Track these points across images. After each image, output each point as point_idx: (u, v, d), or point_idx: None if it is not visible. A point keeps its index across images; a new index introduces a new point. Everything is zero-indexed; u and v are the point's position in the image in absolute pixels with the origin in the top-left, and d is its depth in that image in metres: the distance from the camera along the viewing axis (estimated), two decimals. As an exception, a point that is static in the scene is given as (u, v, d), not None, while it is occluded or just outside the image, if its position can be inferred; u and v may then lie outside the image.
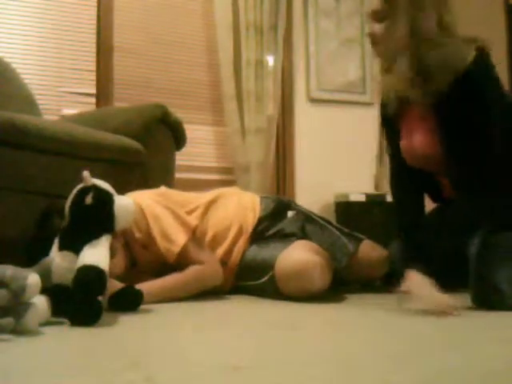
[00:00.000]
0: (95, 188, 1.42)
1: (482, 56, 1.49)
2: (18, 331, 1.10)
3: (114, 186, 1.50)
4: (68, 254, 1.33)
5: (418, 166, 1.65)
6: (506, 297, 1.46)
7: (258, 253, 1.81)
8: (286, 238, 1.83)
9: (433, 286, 1.42)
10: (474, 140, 1.49)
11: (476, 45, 1.50)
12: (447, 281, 1.78)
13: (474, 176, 1.49)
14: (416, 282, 1.43)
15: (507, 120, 1.54)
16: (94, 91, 3.05)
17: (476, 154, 1.49)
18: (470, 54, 1.47)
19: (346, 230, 1.94)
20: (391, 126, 1.71)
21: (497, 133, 1.49)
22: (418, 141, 1.59)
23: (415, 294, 1.41)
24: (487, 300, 1.48)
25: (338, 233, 1.90)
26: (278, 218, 1.90)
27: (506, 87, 4.13)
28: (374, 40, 1.58)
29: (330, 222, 1.96)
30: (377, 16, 1.56)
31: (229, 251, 1.82)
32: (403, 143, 1.65)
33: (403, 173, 1.71)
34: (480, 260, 1.53)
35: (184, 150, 2.47)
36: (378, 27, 1.56)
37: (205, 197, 1.90)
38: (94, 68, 3.06)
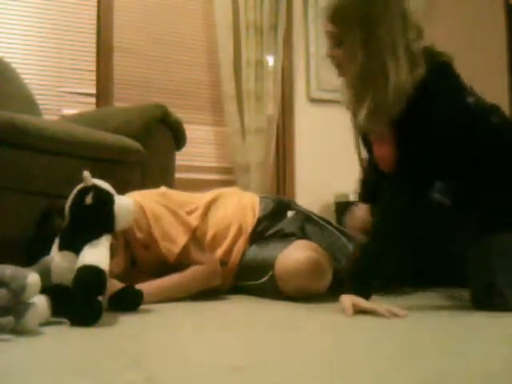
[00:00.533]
0: (95, 188, 1.42)
1: (433, 71, 1.48)
2: (18, 331, 1.10)
3: (114, 186, 1.50)
4: (68, 254, 1.33)
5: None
6: (508, 300, 1.46)
7: (258, 253, 1.81)
8: (285, 237, 1.83)
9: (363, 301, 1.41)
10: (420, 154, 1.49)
11: (431, 58, 1.49)
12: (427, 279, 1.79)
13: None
14: (349, 304, 1.40)
15: (470, 128, 1.53)
16: (94, 91, 3.05)
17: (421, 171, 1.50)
18: (418, 74, 1.46)
19: (345, 230, 1.94)
20: (363, 133, 1.72)
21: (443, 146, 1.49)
22: (386, 151, 1.60)
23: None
24: (488, 304, 1.47)
25: (337, 233, 1.90)
26: (278, 218, 1.90)
27: (506, 87, 4.12)
28: (335, 63, 1.56)
29: (329, 222, 1.96)
30: (333, 40, 1.54)
31: (228, 251, 1.82)
32: (376, 153, 1.67)
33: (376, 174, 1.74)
34: (479, 263, 1.52)
35: (184, 149, 2.47)
36: (337, 51, 1.54)
37: (205, 197, 1.90)
38: (94, 68, 3.06)
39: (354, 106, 1.57)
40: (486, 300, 1.48)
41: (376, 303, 1.41)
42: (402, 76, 1.46)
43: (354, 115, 1.60)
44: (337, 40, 1.53)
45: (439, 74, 1.49)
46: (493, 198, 1.53)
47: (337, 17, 1.52)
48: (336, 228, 1.94)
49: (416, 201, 1.50)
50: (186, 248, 1.67)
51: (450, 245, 1.71)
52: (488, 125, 1.56)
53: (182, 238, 1.67)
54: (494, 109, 1.61)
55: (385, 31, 1.47)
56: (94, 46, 3.07)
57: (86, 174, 1.43)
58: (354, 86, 1.55)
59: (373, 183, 1.84)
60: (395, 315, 1.36)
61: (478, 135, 1.54)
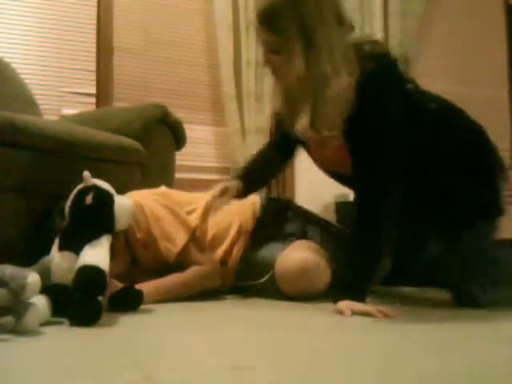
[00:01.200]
0: (95, 188, 1.42)
1: (376, 63, 1.45)
2: (18, 331, 1.10)
3: (114, 186, 1.50)
4: (68, 254, 1.33)
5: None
6: (480, 302, 1.52)
7: (258, 253, 1.81)
8: (285, 238, 1.83)
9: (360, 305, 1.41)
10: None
11: (367, 53, 1.47)
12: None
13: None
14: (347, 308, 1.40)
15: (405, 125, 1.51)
16: (94, 91, 3.05)
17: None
18: (355, 74, 1.44)
19: (345, 230, 1.94)
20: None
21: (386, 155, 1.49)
22: (329, 154, 1.59)
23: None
24: (465, 303, 1.55)
25: (337, 233, 1.90)
26: (278, 218, 1.90)
27: (506, 87, 4.12)
28: (271, 69, 1.53)
29: (329, 223, 1.97)
30: (271, 48, 1.49)
31: (229, 251, 1.82)
32: (315, 155, 1.67)
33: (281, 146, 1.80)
34: (449, 264, 1.57)
35: (184, 149, 2.47)
36: (275, 58, 1.49)
37: (205, 197, 1.90)
38: (94, 68, 3.06)
39: (291, 112, 1.54)
40: (463, 302, 1.56)
41: (369, 305, 1.41)
42: (341, 81, 1.43)
43: (290, 122, 1.56)
44: (273, 47, 1.49)
45: (382, 69, 1.47)
46: (439, 196, 1.55)
47: (272, 25, 1.47)
48: (336, 228, 1.94)
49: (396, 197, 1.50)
50: (185, 248, 1.67)
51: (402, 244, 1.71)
52: (428, 111, 1.56)
53: (181, 238, 1.67)
54: (433, 96, 1.61)
55: (322, 38, 1.43)
56: (94, 46, 3.07)
57: (86, 174, 1.43)
58: (292, 94, 1.51)
59: (265, 168, 1.84)
60: (386, 315, 1.36)
61: (421, 123, 1.54)
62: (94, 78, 3.06)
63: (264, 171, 1.88)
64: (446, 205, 1.55)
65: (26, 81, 2.53)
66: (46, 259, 1.37)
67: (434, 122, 1.55)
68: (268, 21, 1.48)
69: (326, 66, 1.44)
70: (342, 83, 1.44)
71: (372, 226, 1.48)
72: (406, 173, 1.52)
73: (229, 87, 3.23)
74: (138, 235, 1.67)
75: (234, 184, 1.77)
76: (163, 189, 1.85)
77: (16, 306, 1.11)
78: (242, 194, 1.78)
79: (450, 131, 1.56)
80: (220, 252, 1.81)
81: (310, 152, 1.71)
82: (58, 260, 1.33)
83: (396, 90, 1.51)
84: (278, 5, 1.46)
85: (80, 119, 2.37)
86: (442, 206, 1.57)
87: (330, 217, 2.83)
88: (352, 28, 1.51)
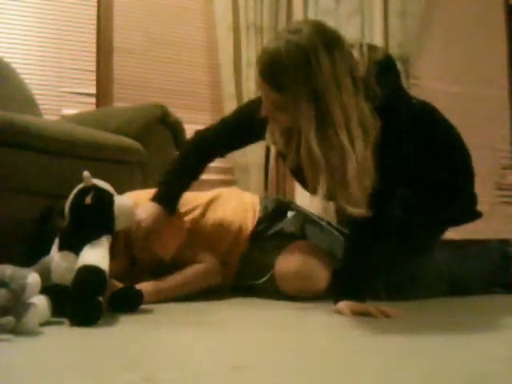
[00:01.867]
0: (95, 188, 1.42)
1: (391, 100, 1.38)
2: (18, 331, 1.10)
3: (114, 186, 1.50)
4: (68, 254, 1.33)
5: None
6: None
7: (258, 253, 1.81)
8: (285, 238, 1.83)
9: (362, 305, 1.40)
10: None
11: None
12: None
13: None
14: (348, 310, 1.38)
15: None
16: (94, 91, 3.05)
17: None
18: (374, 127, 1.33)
19: (345, 231, 1.94)
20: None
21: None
22: None
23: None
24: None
25: (336, 233, 1.90)
26: (278, 219, 1.90)
27: (506, 87, 4.11)
28: (276, 124, 1.45)
29: (329, 223, 1.96)
30: (276, 105, 1.36)
31: (229, 251, 1.82)
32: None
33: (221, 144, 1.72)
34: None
35: (184, 150, 2.46)
36: (279, 116, 1.38)
37: (204, 197, 1.90)
38: (94, 68, 3.06)
39: (311, 177, 1.40)
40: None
41: (369, 305, 1.41)
42: (359, 155, 1.31)
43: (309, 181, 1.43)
44: (278, 105, 1.35)
45: (396, 100, 1.44)
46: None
47: (275, 82, 1.32)
48: (335, 228, 1.94)
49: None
50: (181, 248, 1.67)
51: None
52: (421, 113, 1.58)
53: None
54: (411, 95, 1.63)
55: (337, 107, 1.28)
56: (94, 46, 3.07)
57: (86, 174, 1.43)
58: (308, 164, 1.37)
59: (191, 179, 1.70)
60: (387, 315, 1.36)
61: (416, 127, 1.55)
62: (94, 78, 3.06)
63: (188, 182, 1.73)
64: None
65: (26, 81, 2.54)
66: (46, 259, 1.37)
67: (425, 122, 1.58)
68: (271, 76, 1.33)
69: (343, 140, 1.28)
70: (360, 157, 1.30)
71: (373, 226, 1.48)
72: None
73: (229, 87, 3.23)
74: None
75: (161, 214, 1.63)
76: (163, 189, 1.85)
77: (16, 306, 1.11)
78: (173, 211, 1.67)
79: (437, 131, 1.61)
80: (220, 252, 1.81)
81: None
82: (58, 260, 1.33)
83: (409, 115, 1.50)
84: (287, 62, 1.28)
85: (80, 119, 2.37)
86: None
87: (330, 217, 2.83)
88: (362, 83, 1.36)
